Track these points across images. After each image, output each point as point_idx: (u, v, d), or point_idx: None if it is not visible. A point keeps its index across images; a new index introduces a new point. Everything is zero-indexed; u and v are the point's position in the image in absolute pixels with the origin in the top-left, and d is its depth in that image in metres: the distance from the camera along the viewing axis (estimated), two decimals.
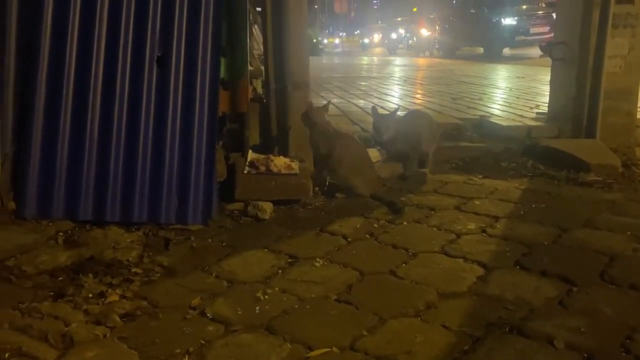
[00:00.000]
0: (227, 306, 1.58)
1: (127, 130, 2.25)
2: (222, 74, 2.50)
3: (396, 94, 6.88)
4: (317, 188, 2.64)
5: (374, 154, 3.12)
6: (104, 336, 1.43)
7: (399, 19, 29.50)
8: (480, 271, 1.80)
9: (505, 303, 1.57)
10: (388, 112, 3.15)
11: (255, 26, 3.36)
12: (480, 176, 2.99)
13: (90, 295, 1.63)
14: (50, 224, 2.15)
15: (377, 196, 2.56)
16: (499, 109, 4.90)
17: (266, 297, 1.63)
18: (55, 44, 2.22)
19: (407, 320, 1.50)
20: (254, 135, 2.81)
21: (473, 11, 15.79)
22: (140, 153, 2.24)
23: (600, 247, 1.98)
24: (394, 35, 25.36)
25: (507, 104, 5.22)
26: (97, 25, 2.24)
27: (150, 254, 1.95)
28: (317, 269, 1.83)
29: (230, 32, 2.57)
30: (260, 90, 3.27)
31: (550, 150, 3.23)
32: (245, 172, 2.48)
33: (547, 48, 3.82)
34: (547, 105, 4.02)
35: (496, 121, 4.13)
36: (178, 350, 1.36)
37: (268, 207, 2.35)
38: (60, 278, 1.76)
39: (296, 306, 1.58)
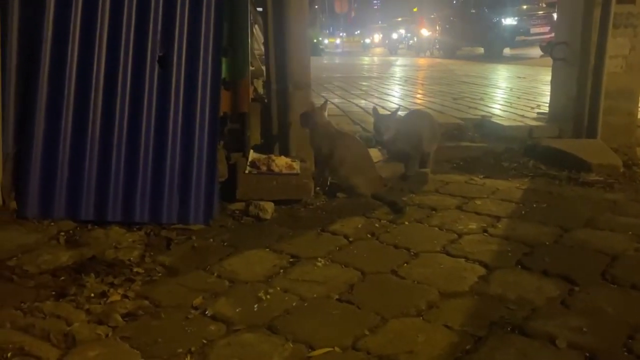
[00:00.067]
0: (229, 306, 1.58)
1: (128, 130, 2.25)
2: (224, 74, 2.50)
3: (397, 94, 6.89)
4: (318, 188, 2.64)
5: (375, 153, 3.13)
6: (106, 336, 1.43)
7: (400, 19, 29.53)
8: (482, 271, 1.80)
9: (507, 303, 1.57)
10: (389, 113, 3.15)
11: (256, 26, 3.36)
12: (482, 176, 2.99)
13: (92, 294, 1.63)
14: (52, 223, 2.15)
15: (379, 196, 2.56)
16: (500, 109, 4.90)
17: (268, 296, 1.63)
18: (56, 44, 2.22)
19: (409, 319, 1.50)
20: (255, 135, 2.81)
21: (473, 11, 15.79)
22: (142, 153, 2.24)
23: (601, 246, 1.98)
24: (394, 36, 25.38)
25: (508, 104, 5.23)
26: (99, 26, 2.24)
27: (152, 253, 1.95)
28: (318, 269, 1.83)
29: (232, 32, 2.58)
30: (261, 90, 3.27)
31: (552, 150, 3.23)
32: (247, 172, 2.48)
33: (548, 48, 3.82)
34: (548, 105, 4.02)
35: (497, 121, 4.13)
36: (180, 350, 1.36)
37: (269, 206, 2.35)
38: (62, 278, 1.76)
39: (298, 306, 1.58)
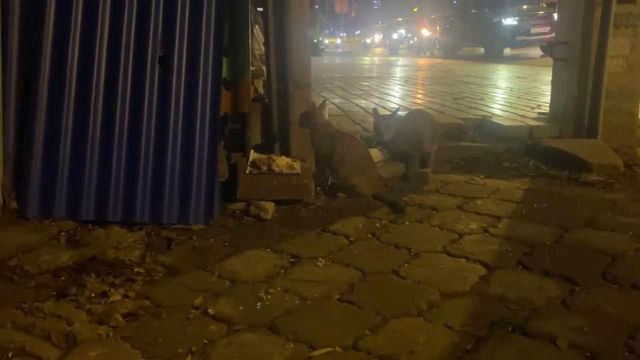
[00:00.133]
0: (229, 306, 1.58)
1: (129, 130, 2.25)
2: (224, 74, 2.50)
3: (397, 94, 6.89)
4: (319, 188, 2.64)
5: (375, 153, 3.13)
6: (107, 336, 1.43)
7: (400, 19, 29.56)
8: (483, 271, 1.80)
9: (507, 303, 1.57)
10: (389, 113, 3.15)
11: (257, 26, 3.36)
12: (482, 176, 2.99)
13: (93, 294, 1.63)
14: (53, 223, 2.15)
15: (379, 196, 2.56)
16: (500, 109, 4.90)
17: (269, 296, 1.63)
18: (57, 45, 2.22)
19: (410, 319, 1.50)
20: (255, 135, 2.81)
21: (474, 11, 15.80)
22: (142, 153, 2.24)
23: (602, 246, 1.98)
24: (395, 36, 25.40)
25: (509, 104, 5.23)
26: (99, 25, 2.24)
27: (153, 253, 1.95)
28: (319, 269, 1.83)
29: (232, 32, 2.58)
30: (261, 90, 3.27)
31: (552, 150, 3.23)
32: (247, 172, 2.48)
33: (549, 48, 3.82)
34: (548, 105, 4.02)
35: (498, 121, 4.13)
36: (181, 350, 1.36)
37: (270, 206, 2.35)
38: (63, 278, 1.76)
39: (299, 306, 1.58)
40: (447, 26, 17.96)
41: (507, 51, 14.88)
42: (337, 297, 1.63)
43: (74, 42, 2.23)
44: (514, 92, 6.39)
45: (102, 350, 1.37)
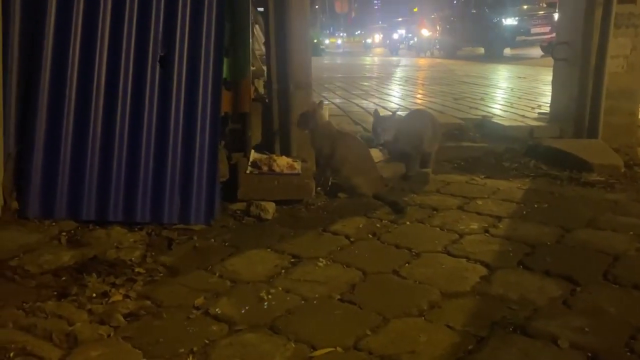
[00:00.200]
0: (230, 306, 1.58)
1: (129, 130, 2.25)
2: (225, 74, 2.50)
3: (398, 94, 6.89)
4: (319, 188, 2.64)
5: (376, 153, 3.13)
6: (108, 335, 1.43)
7: (400, 19, 29.59)
8: (484, 271, 1.80)
9: (509, 303, 1.57)
10: (390, 114, 3.15)
11: (257, 26, 3.36)
12: (483, 176, 2.99)
13: (94, 294, 1.63)
14: (53, 223, 2.15)
15: (380, 196, 2.56)
16: (500, 109, 4.90)
17: (270, 296, 1.63)
18: (58, 44, 2.22)
19: (411, 320, 1.50)
20: (256, 135, 2.81)
21: (474, 11, 15.80)
22: (143, 153, 2.24)
23: (603, 247, 1.98)
24: (395, 36, 25.41)
25: (509, 104, 5.23)
26: (100, 26, 2.24)
27: (153, 253, 1.95)
28: (320, 269, 1.83)
29: (233, 32, 2.58)
30: (261, 90, 3.27)
31: (553, 151, 3.23)
32: (248, 172, 2.48)
33: (549, 48, 3.84)
34: (549, 105, 4.02)
35: (498, 121, 4.13)
36: (182, 350, 1.36)
37: (271, 207, 2.35)
38: (64, 278, 1.76)
39: (300, 306, 1.58)
40: (447, 26, 17.97)
41: (507, 51, 14.88)
42: (338, 297, 1.63)
43: (75, 41, 2.23)
44: (515, 92, 6.39)
45: (103, 350, 1.37)
